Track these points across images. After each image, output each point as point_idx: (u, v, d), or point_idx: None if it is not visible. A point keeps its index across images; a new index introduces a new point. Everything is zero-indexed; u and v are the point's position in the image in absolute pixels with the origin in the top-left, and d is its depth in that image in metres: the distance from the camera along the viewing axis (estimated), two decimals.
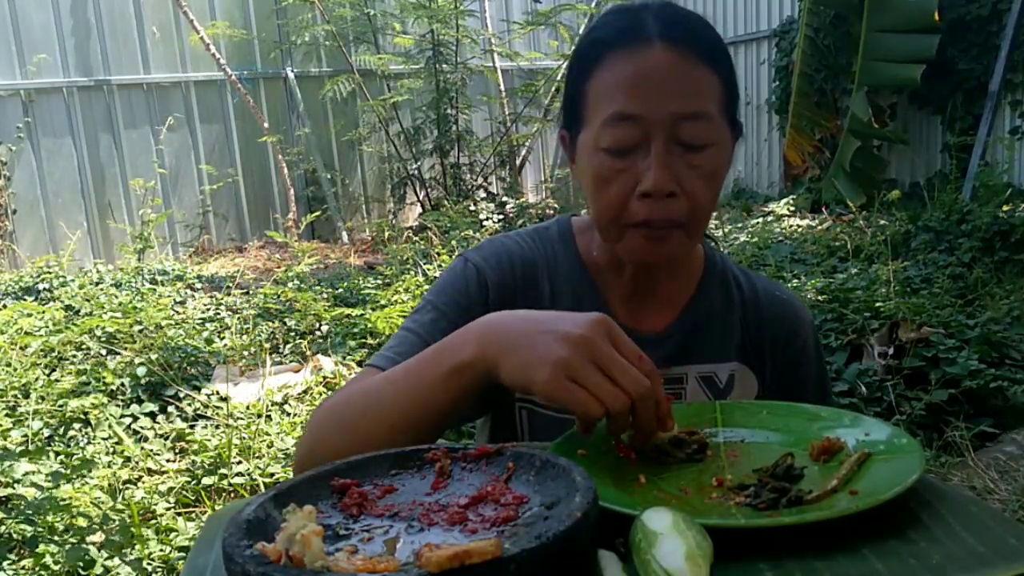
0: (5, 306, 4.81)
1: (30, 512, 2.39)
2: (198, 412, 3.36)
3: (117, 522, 2.47)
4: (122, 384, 3.51)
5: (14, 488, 2.65)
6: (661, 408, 0.79)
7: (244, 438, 3.08)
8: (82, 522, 2.47)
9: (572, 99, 1.03)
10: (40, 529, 2.42)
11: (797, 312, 1.16)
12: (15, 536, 2.43)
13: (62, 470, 2.69)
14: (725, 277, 1.15)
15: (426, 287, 4.71)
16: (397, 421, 0.87)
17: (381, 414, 0.89)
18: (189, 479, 2.88)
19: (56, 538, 2.38)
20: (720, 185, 1.01)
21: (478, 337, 0.84)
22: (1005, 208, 5.47)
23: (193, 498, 2.80)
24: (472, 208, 7.59)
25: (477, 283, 1.08)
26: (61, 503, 2.45)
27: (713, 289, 1.13)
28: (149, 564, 2.31)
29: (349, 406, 0.94)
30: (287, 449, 3.04)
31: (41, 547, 2.31)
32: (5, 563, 2.26)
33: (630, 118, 0.95)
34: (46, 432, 3.18)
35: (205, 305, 5.06)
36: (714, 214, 1.09)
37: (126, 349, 3.88)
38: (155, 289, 5.37)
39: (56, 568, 2.27)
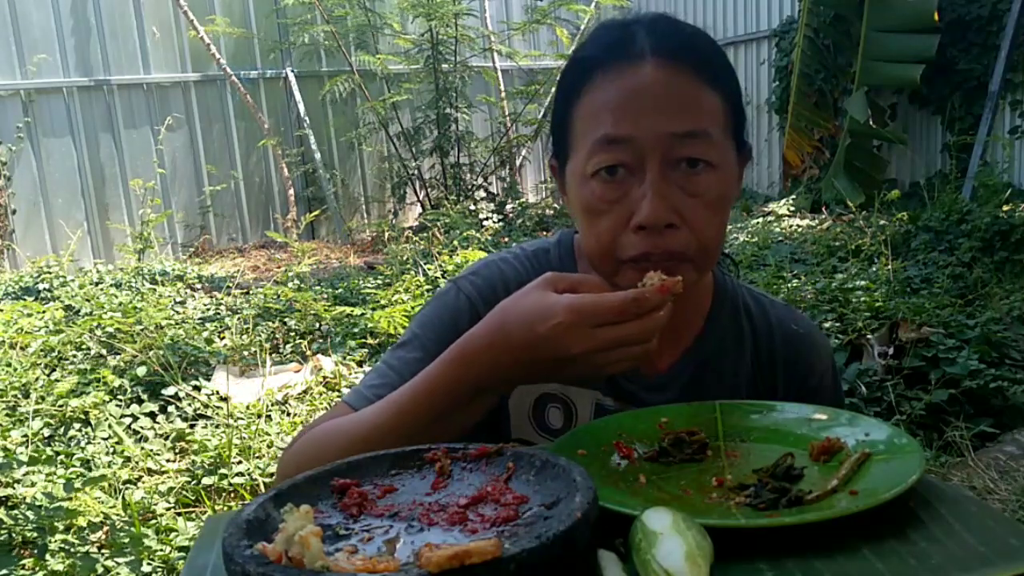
0: (5, 306, 4.81)
1: (47, 517, 2.39)
2: (198, 412, 3.36)
3: (119, 522, 2.47)
4: (122, 384, 3.51)
5: (14, 488, 2.65)
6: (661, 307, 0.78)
7: (244, 438, 3.08)
8: (82, 522, 2.47)
9: (560, 125, 0.95)
10: (40, 529, 2.42)
11: (814, 346, 1.08)
12: (15, 537, 2.43)
13: (73, 478, 2.68)
14: (736, 308, 1.06)
15: (427, 288, 4.71)
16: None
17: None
18: (189, 479, 2.88)
19: (58, 538, 2.38)
20: (727, 213, 0.93)
21: (501, 378, 0.83)
22: (1005, 208, 5.47)
23: (193, 498, 2.80)
24: (472, 208, 7.60)
25: (469, 319, 0.96)
26: (70, 515, 2.45)
27: (723, 323, 1.05)
28: (149, 564, 2.31)
29: (329, 450, 0.86)
30: None
31: (48, 551, 2.31)
32: (4, 561, 2.26)
33: (620, 141, 0.87)
34: (46, 432, 3.18)
35: (205, 305, 5.06)
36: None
37: (126, 349, 3.88)
38: (155, 289, 5.37)
39: (57, 569, 2.27)
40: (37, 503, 2.47)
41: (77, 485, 2.58)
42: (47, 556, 2.28)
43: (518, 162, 8.78)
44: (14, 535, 2.43)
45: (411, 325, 1.04)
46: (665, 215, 0.86)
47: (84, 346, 4.06)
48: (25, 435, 3.06)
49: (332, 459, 0.82)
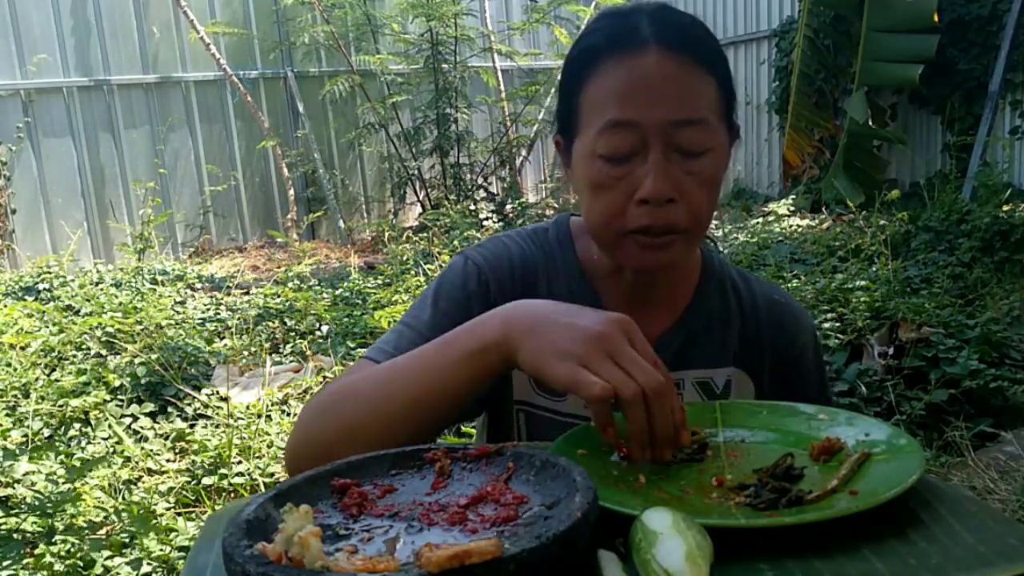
0: (5, 306, 4.81)
1: (49, 507, 2.39)
2: (198, 412, 3.36)
3: (124, 521, 2.46)
4: (122, 384, 3.51)
5: (14, 488, 2.65)
6: (676, 416, 0.78)
7: (244, 438, 3.08)
8: (82, 521, 2.47)
9: (566, 107, 1.02)
10: (40, 529, 2.42)
11: (796, 317, 1.15)
12: (16, 535, 2.43)
13: (75, 465, 2.69)
14: (723, 282, 1.14)
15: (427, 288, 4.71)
16: (405, 408, 0.87)
17: (386, 403, 0.88)
18: (189, 479, 2.88)
19: (59, 537, 2.38)
20: (719, 190, 1.01)
21: (503, 319, 0.85)
22: (1005, 208, 5.46)
23: (193, 498, 2.80)
24: (472, 208, 7.60)
25: (478, 281, 1.07)
26: (71, 500, 2.45)
27: (711, 294, 1.12)
28: (149, 564, 2.31)
29: (349, 396, 0.91)
30: None
31: (44, 546, 2.31)
32: (5, 560, 2.26)
33: (627, 125, 0.93)
34: (46, 432, 3.18)
35: (205, 305, 5.06)
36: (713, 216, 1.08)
37: (126, 349, 3.88)
38: (155, 289, 5.37)
39: (57, 568, 2.27)
40: (54, 497, 2.46)
41: (80, 470, 2.58)
42: (47, 555, 2.28)
43: (518, 162, 8.78)
44: (15, 535, 2.43)
45: (424, 292, 1.11)
46: (667, 191, 0.93)
47: (84, 346, 4.06)
48: (25, 435, 3.06)
49: (362, 408, 0.88)
